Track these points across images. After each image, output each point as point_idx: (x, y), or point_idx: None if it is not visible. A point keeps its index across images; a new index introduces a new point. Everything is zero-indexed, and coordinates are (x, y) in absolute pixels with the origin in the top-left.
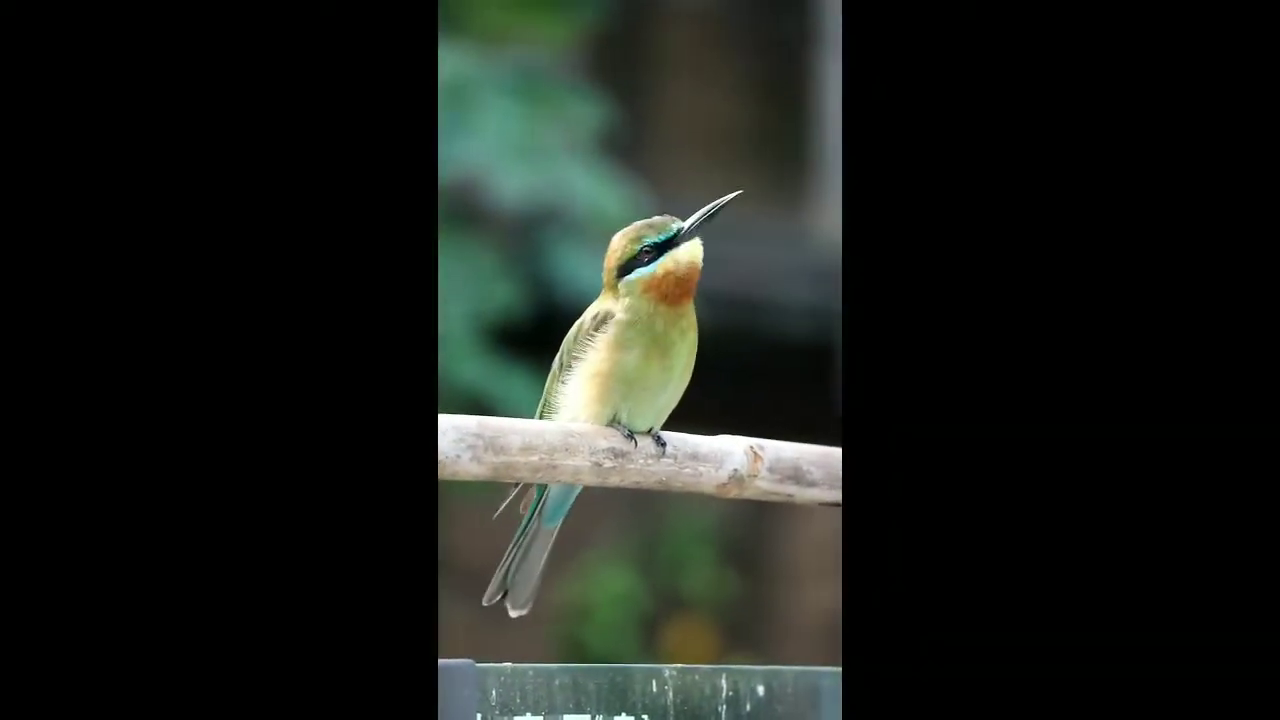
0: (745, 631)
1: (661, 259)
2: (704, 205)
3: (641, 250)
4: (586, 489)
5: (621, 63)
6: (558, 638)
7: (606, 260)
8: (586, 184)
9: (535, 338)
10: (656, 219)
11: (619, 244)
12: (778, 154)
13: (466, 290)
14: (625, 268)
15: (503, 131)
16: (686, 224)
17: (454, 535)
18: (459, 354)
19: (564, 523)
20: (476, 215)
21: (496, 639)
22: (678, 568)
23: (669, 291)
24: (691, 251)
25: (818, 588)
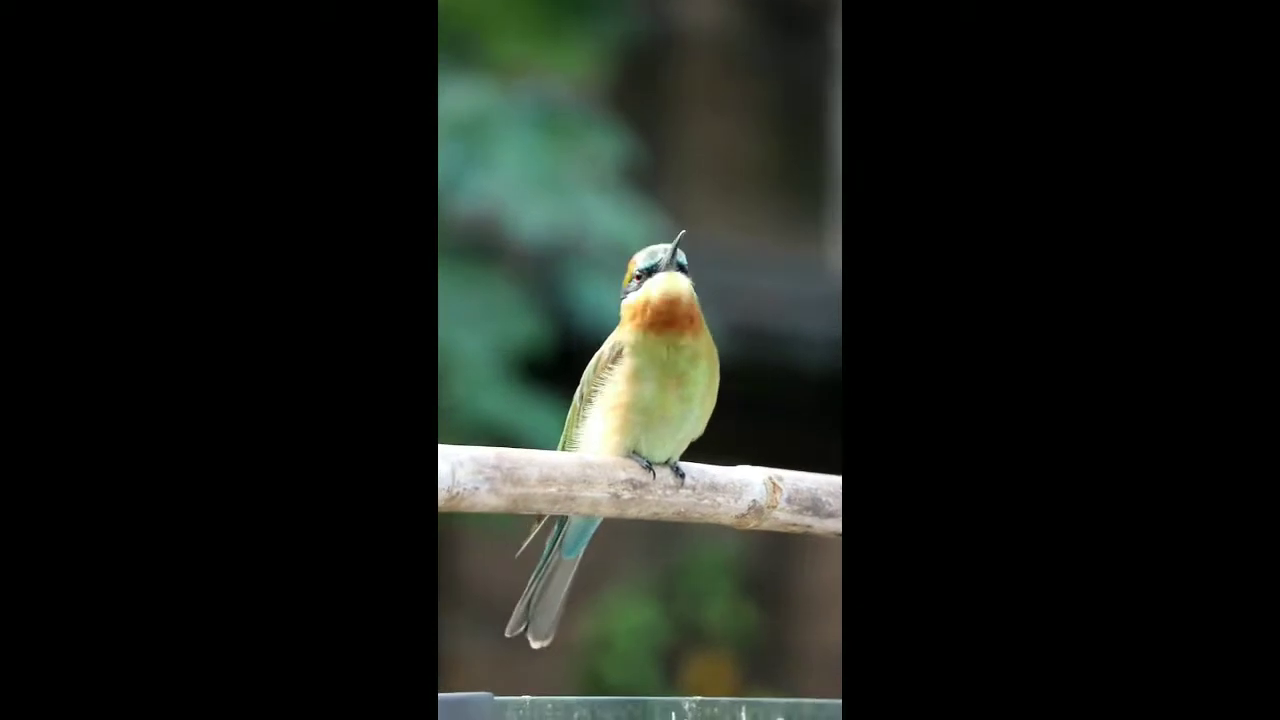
0: (766, 664)
1: (643, 287)
2: (721, 237)
3: (635, 276)
4: (606, 521)
5: (641, 95)
6: (577, 670)
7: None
8: (607, 216)
9: (557, 369)
10: (652, 247)
11: (628, 266)
12: (797, 186)
13: (488, 323)
14: (625, 292)
15: (523, 164)
16: (663, 256)
17: (475, 567)
18: (481, 386)
19: (584, 554)
20: (498, 248)
21: (517, 671)
22: (698, 600)
23: (650, 321)
24: (664, 284)
25: (839, 621)
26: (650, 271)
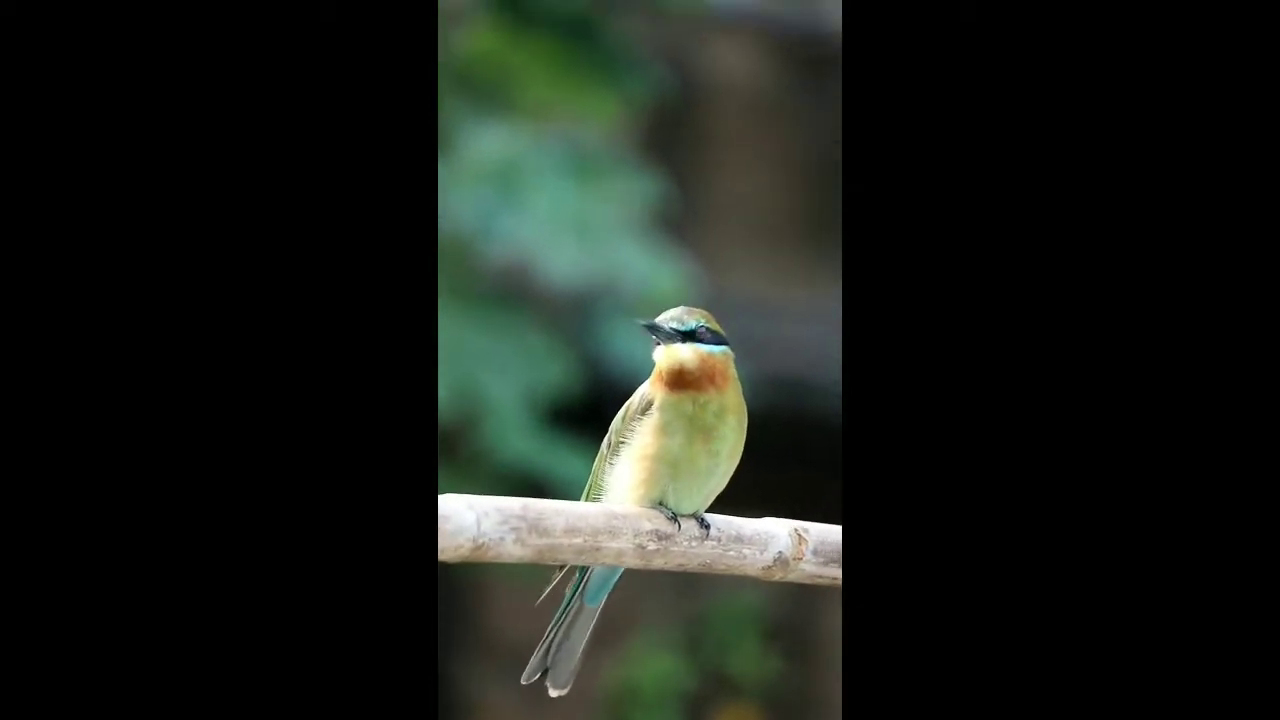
0: (791, 714)
1: (662, 351)
2: (750, 285)
3: (662, 335)
4: (632, 570)
5: (671, 141)
6: (603, 718)
7: None
8: (638, 261)
9: (587, 415)
10: (675, 310)
11: None
12: (825, 235)
13: (518, 368)
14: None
15: (554, 210)
16: (668, 329)
17: (501, 616)
18: (510, 432)
19: (607, 602)
20: (528, 293)
21: (540, 719)
22: (723, 649)
23: (668, 384)
24: (665, 357)
25: None
26: (668, 337)
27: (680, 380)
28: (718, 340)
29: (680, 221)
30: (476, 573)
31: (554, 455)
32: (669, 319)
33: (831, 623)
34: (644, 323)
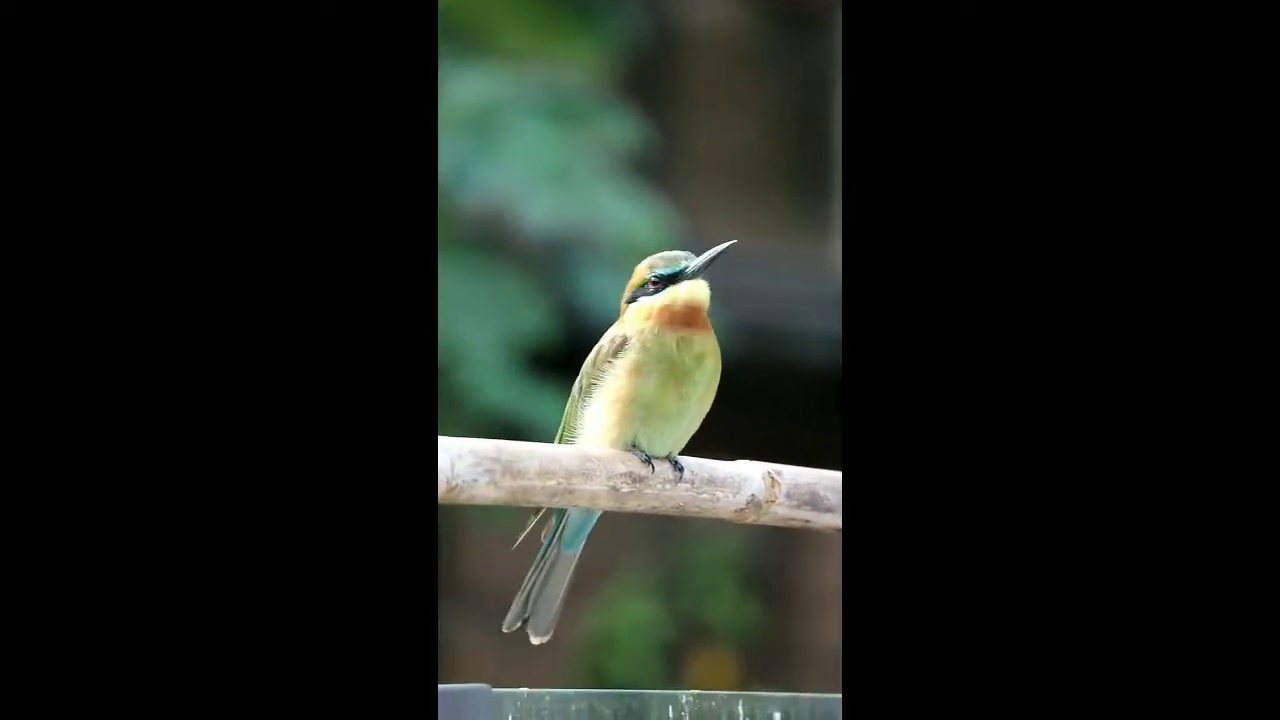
0: (768, 661)
1: (664, 292)
2: (727, 233)
3: (650, 280)
4: (608, 516)
5: (649, 88)
6: (580, 666)
7: (627, 286)
8: (615, 207)
9: (564, 361)
10: (671, 253)
11: (637, 271)
12: (802, 184)
13: (495, 314)
14: (634, 296)
15: (532, 155)
16: (692, 265)
17: (478, 561)
18: (488, 378)
19: (585, 549)
20: (505, 239)
21: (519, 666)
22: (701, 597)
23: (669, 320)
24: (691, 290)
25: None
26: (673, 277)
27: (691, 320)
28: None
29: (658, 169)
30: (454, 519)
31: (531, 401)
32: (679, 258)
33: (809, 570)
34: (690, 262)
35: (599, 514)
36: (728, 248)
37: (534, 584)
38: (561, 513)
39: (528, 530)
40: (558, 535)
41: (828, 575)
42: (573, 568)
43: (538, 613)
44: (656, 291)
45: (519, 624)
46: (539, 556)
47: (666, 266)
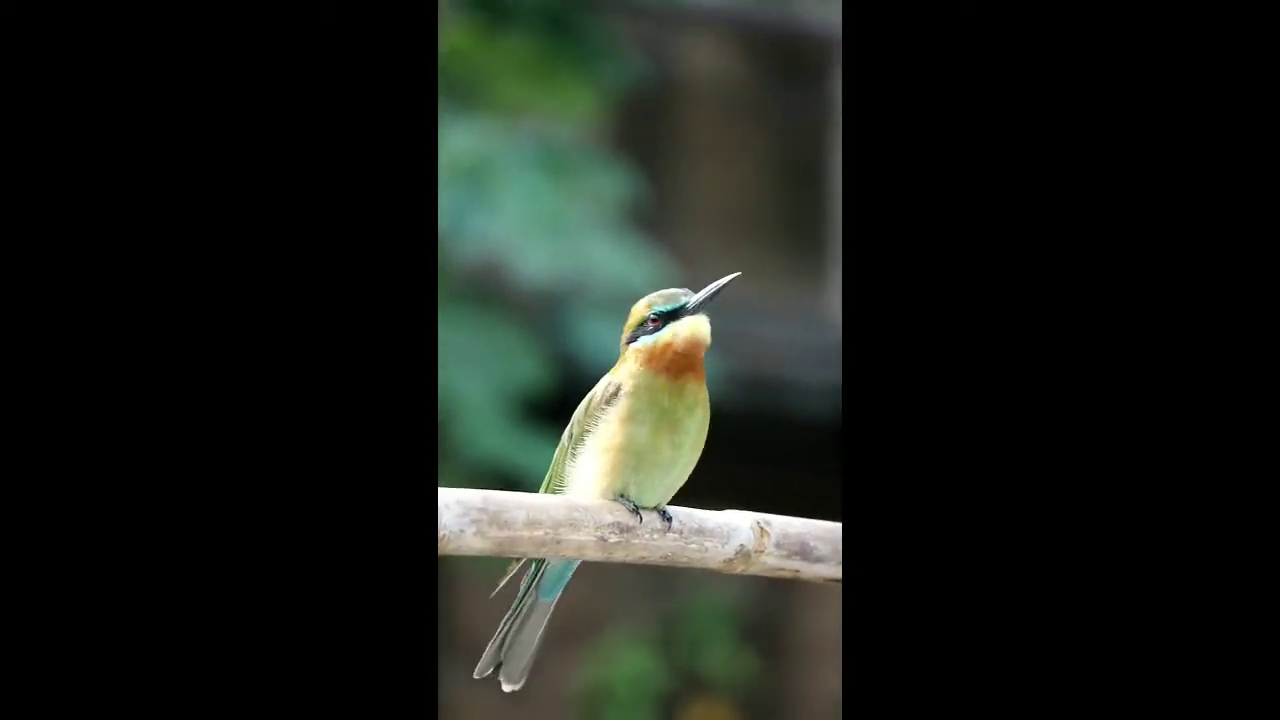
0: (765, 711)
1: (665, 329)
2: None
3: (649, 318)
4: (603, 565)
5: (644, 137)
6: (577, 717)
7: (626, 326)
8: (610, 258)
9: (559, 410)
10: (669, 290)
11: (634, 311)
12: (797, 233)
13: (491, 364)
14: (634, 335)
15: (526, 206)
16: (693, 300)
17: (474, 613)
18: (483, 427)
19: (582, 599)
20: (500, 289)
21: (513, 717)
22: (697, 647)
23: (668, 364)
24: (693, 326)
25: (838, 668)
26: (674, 314)
27: (691, 359)
28: None
29: (653, 219)
30: (448, 570)
31: (526, 451)
32: (678, 295)
33: (805, 621)
34: (690, 299)
35: (578, 562)
36: (730, 281)
37: (508, 630)
38: (540, 560)
39: (508, 578)
40: (535, 583)
41: (825, 625)
42: (548, 615)
43: (510, 660)
44: (657, 329)
45: (490, 670)
46: (515, 604)
47: (666, 303)
